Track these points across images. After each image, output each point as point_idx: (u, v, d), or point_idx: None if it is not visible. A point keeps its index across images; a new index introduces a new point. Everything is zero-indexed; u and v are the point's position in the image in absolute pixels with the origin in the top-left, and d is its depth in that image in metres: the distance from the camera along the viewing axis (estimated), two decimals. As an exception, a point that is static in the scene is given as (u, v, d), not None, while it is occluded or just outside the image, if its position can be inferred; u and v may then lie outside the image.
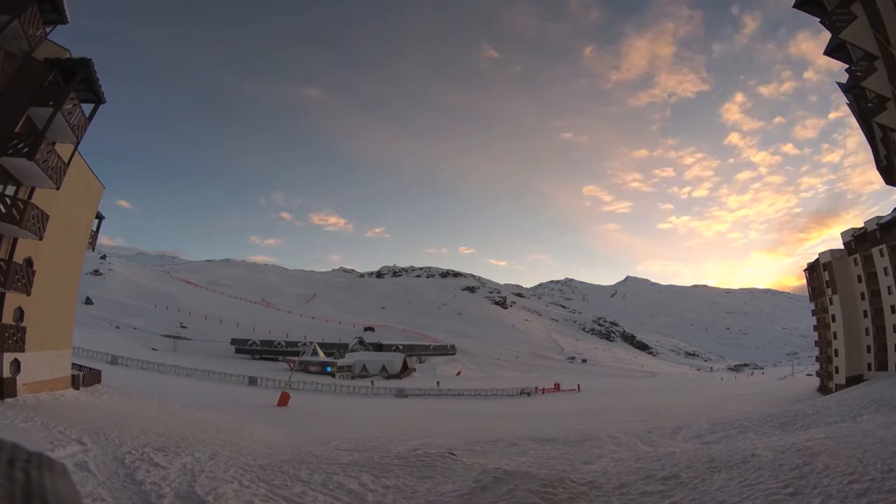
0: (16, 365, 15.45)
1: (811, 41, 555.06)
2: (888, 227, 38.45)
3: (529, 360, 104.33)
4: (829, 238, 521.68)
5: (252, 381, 45.42)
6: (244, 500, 8.06)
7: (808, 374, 71.62)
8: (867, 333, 40.66)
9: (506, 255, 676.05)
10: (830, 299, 45.50)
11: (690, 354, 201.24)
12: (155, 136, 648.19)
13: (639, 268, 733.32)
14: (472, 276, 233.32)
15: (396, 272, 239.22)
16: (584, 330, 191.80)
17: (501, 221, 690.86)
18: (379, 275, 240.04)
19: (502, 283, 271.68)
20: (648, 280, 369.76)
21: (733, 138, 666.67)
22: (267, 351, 77.89)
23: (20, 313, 15.70)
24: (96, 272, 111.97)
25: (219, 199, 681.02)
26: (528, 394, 54.40)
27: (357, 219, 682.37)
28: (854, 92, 17.58)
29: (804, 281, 53.71)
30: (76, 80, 14.66)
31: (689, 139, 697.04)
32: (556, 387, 61.01)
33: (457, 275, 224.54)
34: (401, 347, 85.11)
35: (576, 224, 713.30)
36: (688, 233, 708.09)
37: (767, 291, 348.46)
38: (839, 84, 18.48)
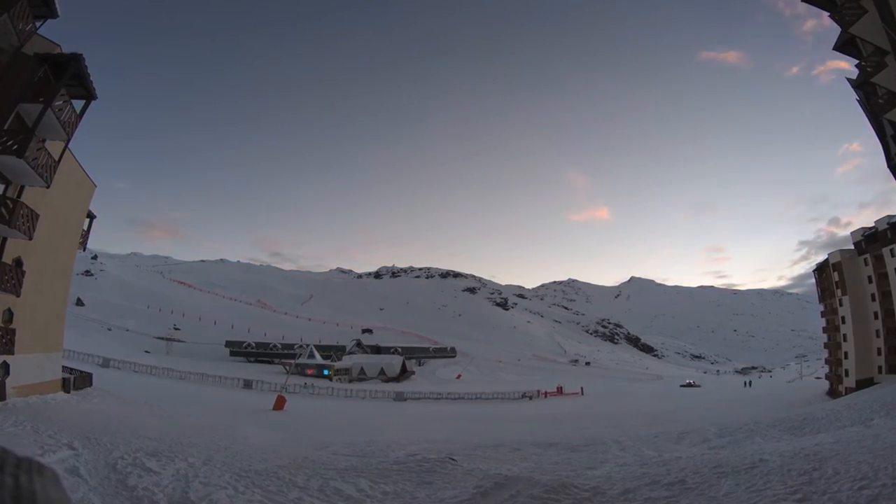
0: (5, 367, 15.21)
1: None
2: (900, 226, 37.96)
3: (531, 363, 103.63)
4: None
5: (247, 385, 44.95)
6: (237, 506, 7.83)
7: (818, 378, 70.86)
8: (878, 336, 40.08)
9: (507, 255, 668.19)
10: (840, 301, 44.98)
11: (697, 357, 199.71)
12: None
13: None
14: (473, 276, 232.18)
15: (395, 273, 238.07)
16: (587, 332, 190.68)
17: (503, 220, 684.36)
18: (377, 275, 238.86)
19: (504, 283, 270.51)
20: (653, 280, 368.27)
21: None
22: (262, 353, 76.77)
23: (9, 315, 15.49)
24: (88, 273, 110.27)
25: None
26: (531, 397, 53.95)
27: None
28: (864, 88, 17.25)
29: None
30: (67, 76, 14.42)
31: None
32: (559, 390, 60.54)
33: (457, 275, 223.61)
34: (399, 350, 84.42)
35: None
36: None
37: (776, 292, 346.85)
38: (849, 80, 18.14)
